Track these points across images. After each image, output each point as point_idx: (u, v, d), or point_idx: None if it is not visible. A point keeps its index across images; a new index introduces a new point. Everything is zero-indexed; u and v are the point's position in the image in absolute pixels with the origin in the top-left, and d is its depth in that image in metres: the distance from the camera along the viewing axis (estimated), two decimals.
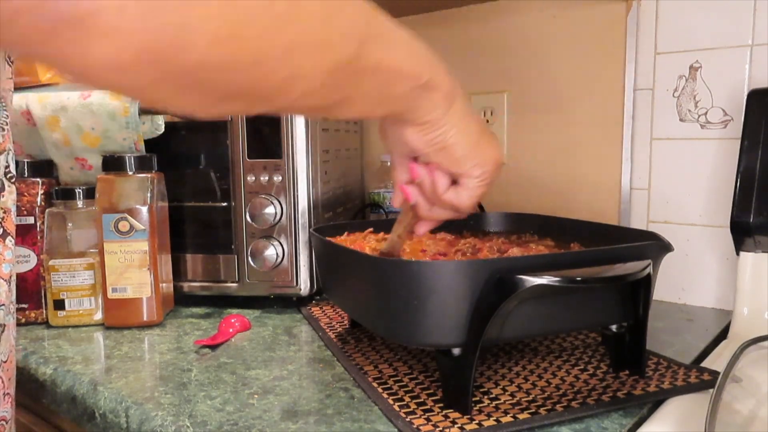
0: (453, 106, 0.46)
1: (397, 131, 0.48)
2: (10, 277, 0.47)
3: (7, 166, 0.45)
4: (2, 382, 0.48)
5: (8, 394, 0.50)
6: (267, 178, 0.84)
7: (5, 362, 0.49)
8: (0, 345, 0.47)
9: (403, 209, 0.58)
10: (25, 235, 0.81)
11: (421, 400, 0.55)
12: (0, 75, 0.43)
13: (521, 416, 0.51)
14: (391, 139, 0.50)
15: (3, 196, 0.45)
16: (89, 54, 0.25)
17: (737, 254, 0.75)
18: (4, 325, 0.48)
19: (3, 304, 0.47)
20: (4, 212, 0.45)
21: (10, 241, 0.47)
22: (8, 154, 0.45)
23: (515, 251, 0.68)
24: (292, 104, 0.36)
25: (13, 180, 0.46)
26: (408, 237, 0.62)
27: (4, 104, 0.44)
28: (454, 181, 0.51)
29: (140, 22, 0.24)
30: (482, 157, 0.50)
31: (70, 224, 0.82)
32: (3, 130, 0.44)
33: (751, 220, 0.72)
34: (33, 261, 0.82)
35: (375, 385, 0.59)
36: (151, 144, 0.84)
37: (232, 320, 0.78)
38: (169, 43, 0.26)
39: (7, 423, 0.49)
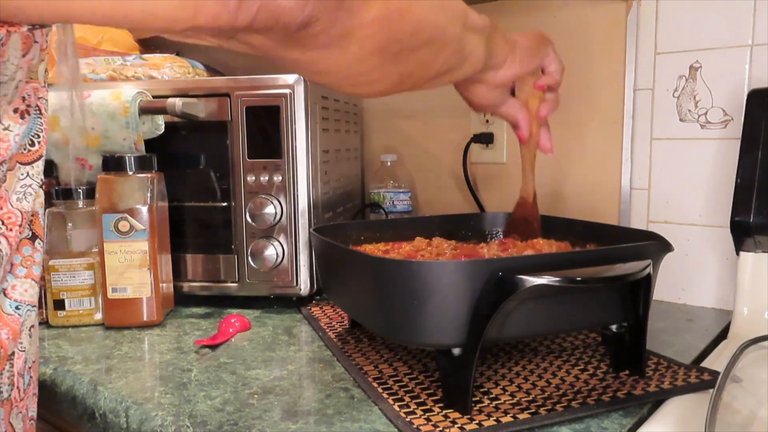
0: (499, 29, 0.55)
1: (492, 80, 0.58)
2: (39, 278, 0.49)
3: (40, 172, 0.47)
4: (33, 381, 0.49)
5: (35, 393, 0.51)
6: (267, 178, 0.84)
7: (35, 362, 0.50)
8: (32, 346, 0.48)
9: (525, 146, 0.71)
10: None
11: (421, 400, 0.55)
12: (38, 85, 0.44)
13: (521, 416, 0.51)
14: (486, 95, 0.61)
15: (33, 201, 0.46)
16: (346, 54, 0.40)
17: (737, 254, 0.75)
18: (34, 326, 0.48)
19: (35, 305, 0.48)
20: (33, 215, 0.46)
21: (39, 243, 0.48)
22: (42, 160, 0.46)
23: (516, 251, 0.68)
24: (438, 72, 0.49)
25: (41, 185, 0.47)
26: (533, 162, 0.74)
27: (39, 112, 0.45)
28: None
29: (379, 28, 0.40)
30: (539, 42, 0.62)
31: (70, 224, 0.82)
32: (39, 137, 0.45)
33: (751, 220, 0.72)
34: None
35: (375, 385, 0.59)
36: (151, 144, 0.84)
37: (232, 320, 0.78)
38: (391, 40, 0.41)
39: (35, 422, 0.50)
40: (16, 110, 0.42)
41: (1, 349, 0.44)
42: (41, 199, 0.47)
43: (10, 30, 0.33)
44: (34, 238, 0.47)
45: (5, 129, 0.42)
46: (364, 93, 0.47)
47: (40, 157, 0.46)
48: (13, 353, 0.45)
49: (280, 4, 0.33)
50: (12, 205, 0.44)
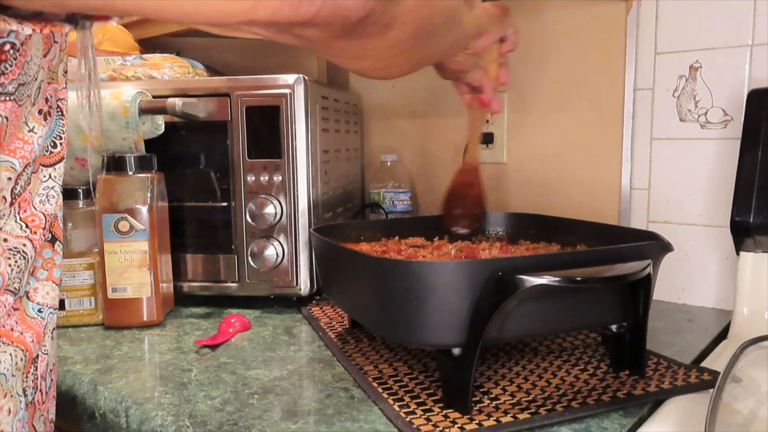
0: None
1: (473, 45, 0.61)
2: (60, 281, 0.49)
3: (62, 174, 0.47)
4: (54, 383, 0.50)
5: (55, 396, 0.51)
6: (267, 178, 0.84)
7: (55, 365, 0.50)
8: (52, 348, 0.48)
9: (479, 110, 0.71)
10: None
11: (421, 400, 0.55)
12: (58, 86, 0.44)
13: (521, 416, 0.51)
14: (461, 63, 0.63)
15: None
16: (385, 40, 0.41)
17: (737, 254, 0.75)
18: (54, 329, 0.48)
19: (56, 308, 0.48)
20: (54, 218, 0.46)
21: (59, 246, 0.48)
22: (64, 162, 0.46)
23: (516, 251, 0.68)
24: (447, 50, 0.57)
25: (62, 187, 0.47)
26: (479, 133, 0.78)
27: (61, 113, 0.45)
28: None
29: (415, 13, 0.42)
30: (495, 8, 0.63)
31: (70, 224, 0.82)
32: (61, 138, 0.45)
33: (751, 220, 0.71)
34: None
35: (375, 385, 0.59)
36: (151, 144, 0.84)
37: (232, 320, 0.78)
38: (424, 23, 0.44)
39: (53, 424, 0.50)
40: (40, 111, 0.42)
41: (26, 353, 0.44)
42: (60, 201, 0.47)
43: (43, 30, 0.33)
44: (53, 240, 0.47)
45: (30, 131, 0.41)
46: (393, 75, 0.49)
47: (62, 159, 0.46)
48: (37, 356, 0.45)
49: (344, 1, 0.35)
50: (35, 208, 0.44)
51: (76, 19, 0.35)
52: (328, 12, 0.34)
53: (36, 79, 0.40)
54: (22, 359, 0.43)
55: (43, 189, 0.45)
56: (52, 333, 0.48)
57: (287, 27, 0.36)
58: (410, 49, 0.46)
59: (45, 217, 0.44)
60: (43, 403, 0.47)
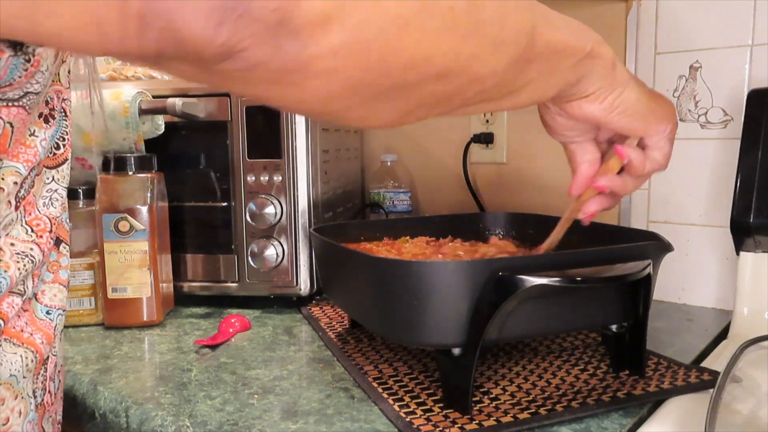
0: (617, 68, 0.46)
1: (571, 111, 0.47)
2: (68, 283, 0.48)
3: (66, 176, 0.46)
4: (60, 385, 0.49)
5: (62, 397, 0.50)
6: (267, 178, 0.84)
7: (62, 365, 0.50)
8: (60, 349, 0.48)
9: (577, 198, 0.55)
10: None
11: (421, 400, 0.55)
12: (61, 87, 0.44)
13: (521, 416, 0.51)
14: (562, 124, 0.50)
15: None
16: (305, 91, 0.29)
17: (737, 254, 0.75)
18: (62, 330, 0.48)
19: (65, 310, 0.48)
20: (59, 221, 0.46)
21: (64, 248, 0.48)
22: (68, 163, 0.46)
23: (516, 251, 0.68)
24: (465, 103, 0.37)
25: (67, 189, 0.47)
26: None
27: (65, 114, 0.45)
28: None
29: (350, 61, 0.28)
30: (663, 111, 0.50)
31: (70, 224, 0.82)
32: (64, 140, 0.45)
33: (751, 220, 0.71)
34: None
35: (375, 385, 0.59)
36: (151, 144, 0.84)
37: (232, 320, 0.78)
38: (371, 75, 0.30)
39: (60, 425, 0.50)
40: (40, 115, 0.42)
41: (36, 354, 0.44)
42: (66, 203, 0.47)
43: None
44: (58, 242, 0.47)
45: (31, 135, 0.41)
46: (369, 126, 0.42)
47: (66, 160, 0.46)
48: (47, 358, 0.45)
49: (180, 28, 0.24)
50: (39, 211, 0.44)
51: (15, 44, 0.34)
52: (171, 42, 0.25)
53: (46, 86, 0.39)
54: (32, 361, 0.43)
55: (47, 191, 0.45)
56: (60, 334, 0.48)
57: (147, 59, 0.27)
58: (364, 106, 0.33)
59: (50, 220, 0.44)
60: (51, 404, 0.47)
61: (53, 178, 0.45)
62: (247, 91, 0.30)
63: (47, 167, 0.45)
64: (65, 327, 0.80)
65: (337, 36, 0.27)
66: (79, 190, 0.83)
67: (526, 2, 0.37)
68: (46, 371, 0.45)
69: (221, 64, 0.26)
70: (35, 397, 0.44)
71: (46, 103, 0.42)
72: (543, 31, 0.37)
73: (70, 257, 0.80)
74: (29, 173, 0.41)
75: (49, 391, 0.46)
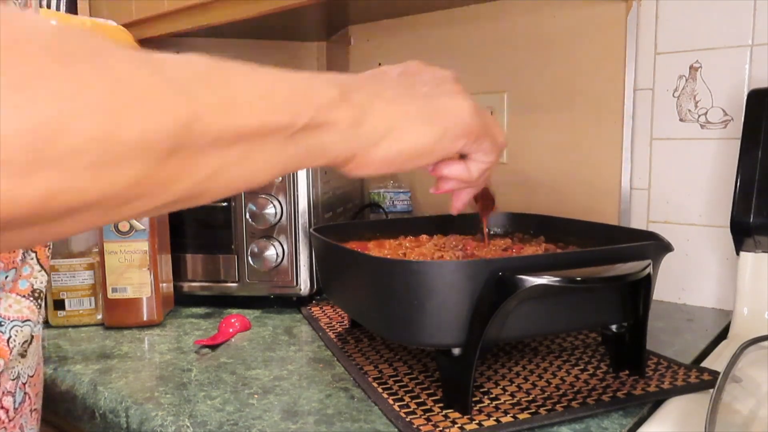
0: (364, 125, 0.36)
1: (348, 175, 0.40)
2: (32, 292, 0.46)
3: None
4: (29, 398, 0.47)
5: (35, 410, 0.49)
6: None
7: (32, 377, 0.48)
8: (27, 359, 0.47)
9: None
10: None
11: (421, 400, 0.55)
12: None
13: (521, 416, 0.51)
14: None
15: None
16: None
17: (737, 254, 0.75)
18: (32, 336, 0.47)
19: (26, 320, 0.46)
20: None
21: (30, 256, 0.46)
22: None
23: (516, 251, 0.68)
24: (110, 215, 0.28)
25: None
26: None
27: None
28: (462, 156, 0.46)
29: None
30: (452, 129, 0.41)
31: None
32: None
33: (751, 220, 0.71)
34: None
35: (375, 385, 0.59)
36: None
37: (232, 320, 0.78)
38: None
39: None
40: None
41: None
42: None
43: None
44: (27, 250, 0.46)
45: None
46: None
47: None
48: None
49: None
50: None
51: None
52: None
53: None
54: None
55: None
56: (23, 346, 0.45)
57: None
58: None
59: None
60: (10, 420, 0.45)
61: None
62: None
63: None
64: (65, 327, 0.81)
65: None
66: None
67: (185, 95, 0.27)
68: None
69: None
70: None
71: None
72: (213, 119, 0.28)
73: (71, 257, 0.80)
74: None
75: (3, 407, 0.44)
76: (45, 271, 0.49)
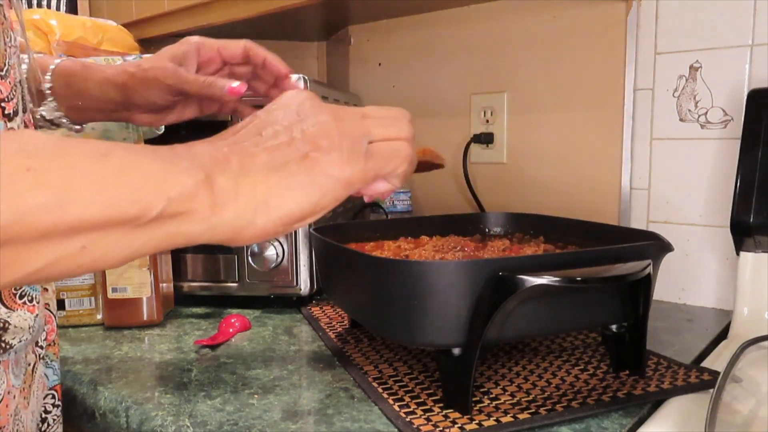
0: (224, 212, 0.35)
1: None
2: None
3: None
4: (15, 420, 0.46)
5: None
6: None
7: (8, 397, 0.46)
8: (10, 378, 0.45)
9: None
10: None
11: (421, 400, 0.55)
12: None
13: (521, 416, 0.51)
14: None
15: None
16: None
17: (737, 254, 0.75)
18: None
19: None
20: None
21: None
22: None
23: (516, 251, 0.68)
24: None
25: None
26: None
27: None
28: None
29: None
30: (331, 187, 0.42)
31: None
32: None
33: (751, 220, 0.71)
34: None
35: (375, 385, 0.59)
36: (151, 144, 0.84)
37: (232, 320, 0.78)
38: None
39: None
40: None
41: None
42: None
43: None
44: None
45: None
46: None
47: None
48: None
49: None
50: None
51: None
52: None
53: None
54: None
55: None
56: None
57: None
58: None
59: None
60: None
61: None
62: None
63: None
64: (65, 327, 0.81)
65: None
66: None
67: (11, 191, 0.28)
68: None
69: None
70: None
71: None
72: (39, 217, 0.29)
73: None
74: None
75: None
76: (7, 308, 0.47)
